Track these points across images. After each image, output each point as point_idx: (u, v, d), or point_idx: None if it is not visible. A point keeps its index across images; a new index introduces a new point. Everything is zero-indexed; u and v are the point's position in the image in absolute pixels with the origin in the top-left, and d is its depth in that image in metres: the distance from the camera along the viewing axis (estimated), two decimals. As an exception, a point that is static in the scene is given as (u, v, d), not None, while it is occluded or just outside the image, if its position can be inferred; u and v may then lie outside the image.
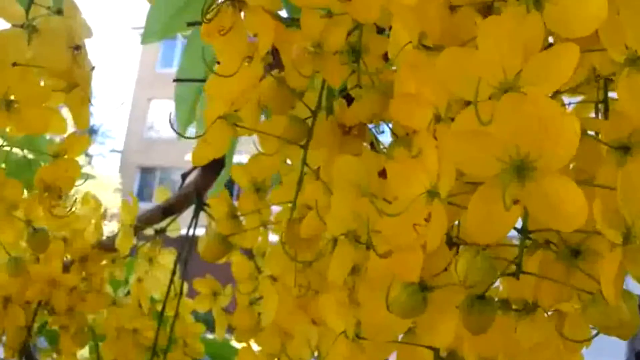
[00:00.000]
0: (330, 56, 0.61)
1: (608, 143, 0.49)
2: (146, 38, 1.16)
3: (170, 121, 0.78)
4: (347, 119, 0.69)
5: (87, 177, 1.63)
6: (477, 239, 0.42)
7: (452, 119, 0.46)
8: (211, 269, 1.04)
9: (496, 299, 0.47)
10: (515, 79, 0.43)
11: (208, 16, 0.63)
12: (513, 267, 0.46)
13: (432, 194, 0.45)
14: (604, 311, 0.41)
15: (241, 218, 0.82)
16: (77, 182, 0.89)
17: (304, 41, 0.60)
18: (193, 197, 1.08)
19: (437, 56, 0.47)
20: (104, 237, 1.16)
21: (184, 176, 1.14)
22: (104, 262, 1.17)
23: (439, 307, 0.45)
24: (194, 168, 1.14)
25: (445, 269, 0.48)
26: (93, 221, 1.10)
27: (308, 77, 0.61)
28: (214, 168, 1.09)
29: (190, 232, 1.07)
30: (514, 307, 0.51)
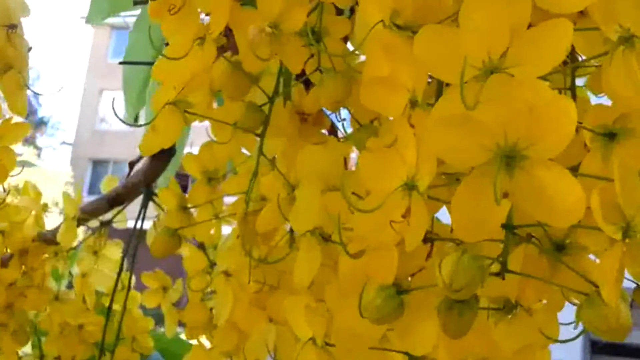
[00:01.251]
0: (289, 38, 0.56)
1: (593, 129, 0.46)
2: (91, 17, 1.10)
3: (113, 108, 0.72)
4: (307, 105, 0.64)
5: (25, 164, 1.56)
6: (463, 236, 0.38)
7: (430, 105, 0.42)
8: (161, 261, 0.99)
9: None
10: (500, 59, 0.39)
11: (151, -6, 0.58)
12: (496, 265, 0.42)
13: (410, 187, 0.40)
14: (602, 314, 0.37)
15: (192, 210, 0.77)
16: (15, 172, 0.83)
17: (261, 21, 0.55)
18: (141, 187, 1.03)
19: (411, 36, 0.43)
20: (47, 230, 1.10)
21: (132, 164, 1.08)
22: (46, 255, 1.11)
23: (418, 310, 0.42)
24: (142, 156, 1.08)
25: (422, 268, 0.44)
26: (33, 213, 1.03)
27: (266, 60, 0.56)
28: (163, 156, 1.04)
29: (139, 224, 1.02)
30: (492, 305, 0.48)
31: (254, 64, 0.57)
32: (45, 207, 1.05)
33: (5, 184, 0.92)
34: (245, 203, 0.63)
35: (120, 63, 0.92)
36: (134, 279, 1.13)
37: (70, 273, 1.23)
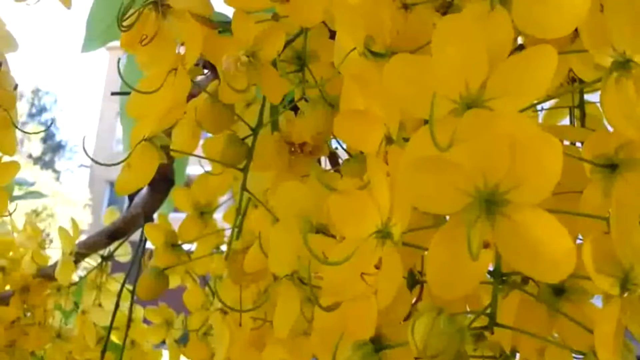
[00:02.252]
0: (267, 67, 0.52)
1: (592, 160, 0.41)
2: (87, 46, 1.07)
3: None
4: (294, 135, 0.61)
5: (34, 195, 1.53)
6: (440, 293, 0.33)
7: (407, 140, 0.38)
8: (167, 293, 0.96)
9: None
10: (479, 91, 0.35)
11: (125, 23, 0.54)
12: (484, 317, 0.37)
13: (384, 234, 0.36)
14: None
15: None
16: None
17: (236, 50, 0.52)
18: (141, 219, 0.99)
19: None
20: (48, 265, 1.07)
21: (131, 196, 1.05)
22: (48, 291, 1.08)
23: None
24: (141, 187, 1.05)
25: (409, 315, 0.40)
26: (31, 250, 1.00)
27: (242, 91, 0.52)
28: (162, 187, 1.01)
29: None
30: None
31: (231, 95, 0.53)
32: (42, 244, 1.02)
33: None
34: (230, 241, 0.59)
35: (113, 94, 0.89)
36: (142, 311, 1.10)
37: (77, 307, 1.20)
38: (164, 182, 1.00)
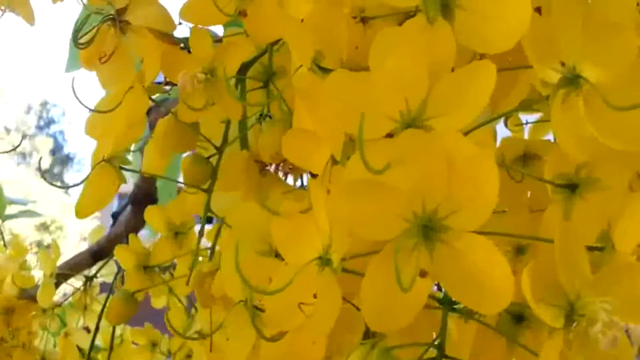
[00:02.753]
0: (226, 83, 0.50)
1: (552, 180, 0.39)
2: (70, 65, 1.06)
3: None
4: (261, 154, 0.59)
5: (28, 214, 1.52)
6: (374, 325, 0.31)
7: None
8: (154, 313, 0.94)
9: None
10: (419, 109, 0.33)
11: (81, 41, 0.53)
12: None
13: (325, 261, 0.34)
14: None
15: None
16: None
17: (193, 67, 0.50)
18: (124, 238, 0.98)
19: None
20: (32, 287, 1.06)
21: (115, 215, 1.04)
22: (33, 313, 1.06)
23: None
24: (125, 205, 1.04)
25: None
26: (10, 272, 0.99)
27: (200, 109, 0.50)
28: (146, 205, 0.99)
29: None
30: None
31: (190, 114, 0.52)
32: (23, 265, 1.01)
33: None
34: (192, 264, 0.57)
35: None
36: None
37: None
38: (147, 200, 0.98)
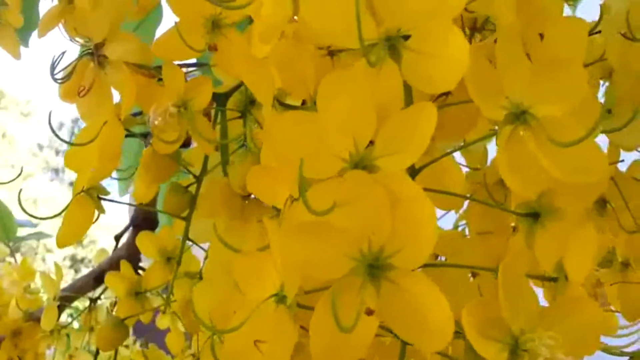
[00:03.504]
0: (198, 117, 0.51)
1: (515, 210, 0.40)
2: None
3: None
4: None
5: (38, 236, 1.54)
6: (322, 363, 0.32)
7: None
8: (158, 334, 0.95)
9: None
10: (368, 149, 0.33)
11: (59, 76, 0.54)
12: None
13: (280, 298, 0.35)
14: None
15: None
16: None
17: (167, 100, 0.51)
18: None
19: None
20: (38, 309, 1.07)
21: (117, 238, 1.04)
22: (40, 334, 1.07)
23: None
24: (126, 228, 1.05)
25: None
26: (15, 295, 1.00)
27: (174, 142, 0.51)
28: (147, 228, 1.00)
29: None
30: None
31: (164, 147, 0.52)
32: (27, 289, 1.02)
33: None
34: (170, 289, 0.58)
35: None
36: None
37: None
38: (148, 224, 0.99)
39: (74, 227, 0.54)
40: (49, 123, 0.53)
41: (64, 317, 1.14)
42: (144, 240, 0.72)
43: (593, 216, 0.60)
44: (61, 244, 0.56)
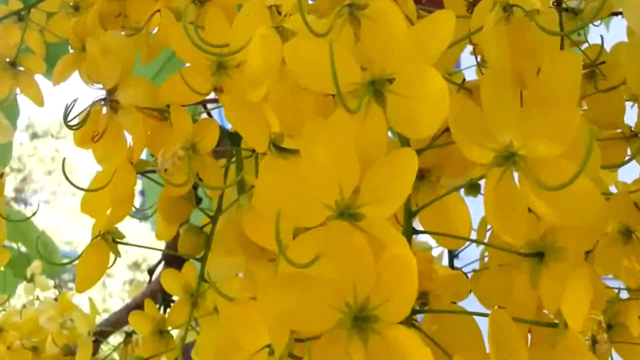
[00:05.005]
0: (207, 158, 0.51)
1: (520, 250, 0.39)
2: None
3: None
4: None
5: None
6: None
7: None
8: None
9: None
10: (352, 196, 0.33)
11: (71, 123, 0.54)
12: None
13: (271, 350, 0.35)
14: None
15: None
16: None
17: (174, 143, 0.51)
18: (159, 295, 0.99)
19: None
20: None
21: (151, 272, 1.05)
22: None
23: None
24: (159, 261, 1.05)
25: None
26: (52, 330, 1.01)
27: (183, 185, 0.51)
28: (179, 262, 1.00)
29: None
30: None
31: (174, 190, 0.52)
32: (64, 324, 1.03)
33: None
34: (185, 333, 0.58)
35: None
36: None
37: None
38: (178, 258, 0.99)
39: (91, 272, 0.54)
40: (63, 169, 0.53)
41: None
42: (168, 277, 0.72)
43: (618, 247, 0.59)
44: (80, 289, 0.56)
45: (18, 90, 0.72)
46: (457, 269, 0.65)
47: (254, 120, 0.40)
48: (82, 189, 0.55)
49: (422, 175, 0.44)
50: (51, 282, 1.55)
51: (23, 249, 1.59)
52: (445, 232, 0.43)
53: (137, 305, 1.03)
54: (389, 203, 0.32)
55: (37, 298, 1.34)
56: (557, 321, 0.35)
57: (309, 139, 0.33)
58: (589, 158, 0.30)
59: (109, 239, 0.55)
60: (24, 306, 1.18)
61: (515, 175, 0.33)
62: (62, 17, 0.70)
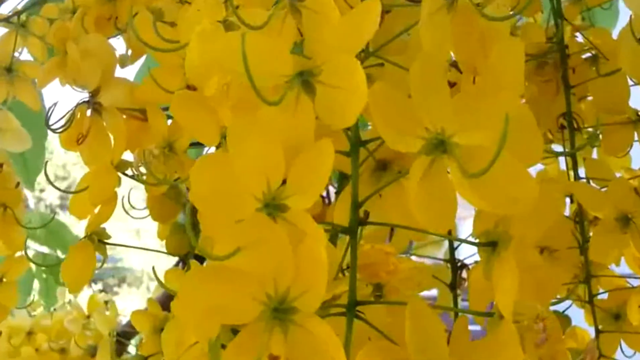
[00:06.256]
0: (184, 156, 0.52)
1: (474, 242, 0.38)
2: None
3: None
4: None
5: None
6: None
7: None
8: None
9: None
10: (280, 188, 0.33)
11: (58, 125, 0.55)
12: None
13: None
14: None
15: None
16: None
17: (150, 142, 0.51)
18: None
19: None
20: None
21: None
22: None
23: None
24: (178, 262, 1.06)
25: None
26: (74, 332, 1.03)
27: (161, 183, 0.51)
28: (201, 261, 1.01)
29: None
30: None
31: (153, 189, 0.53)
32: (87, 326, 1.04)
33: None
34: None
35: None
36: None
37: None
38: (197, 257, 1.00)
39: (77, 273, 0.55)
40: (45, 172, 0.54)
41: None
42: (170, 277, 0.73)
43: (614, 234, 0.57)
44: (73, 290, 0.57)
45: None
46: (458, 261, 0.65)
47: (203, 114, 0.41)
48: (65, 192, 0.56)
49: (383, 166, 0.44)
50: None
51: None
52: (407, 224, 0.42)
53: (161, 305, 1.04)
54: (309, 194, 0.32)
55: (69, 302, 1.37)
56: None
57: (236, 132, 0.33)
58: (504, 144, 0.29)
59: (94, 240, 0.55)
60: (54, 309, 1.20)
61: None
62: (62, 23, 0.71)
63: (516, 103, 0.34)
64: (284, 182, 0.33)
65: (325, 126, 0.33)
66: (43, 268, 1.33)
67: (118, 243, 0.58)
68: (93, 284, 1.56)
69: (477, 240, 0.38)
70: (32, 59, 0.75)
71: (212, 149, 0.47)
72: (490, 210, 0.33)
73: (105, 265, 1.58)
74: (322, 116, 0.33)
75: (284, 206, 0.32)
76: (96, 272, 1.39)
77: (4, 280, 0.77)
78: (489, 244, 0.37)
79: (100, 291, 1.59)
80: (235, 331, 0.33)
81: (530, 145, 0.34)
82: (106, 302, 1.23)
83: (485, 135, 0.32)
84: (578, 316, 0.67)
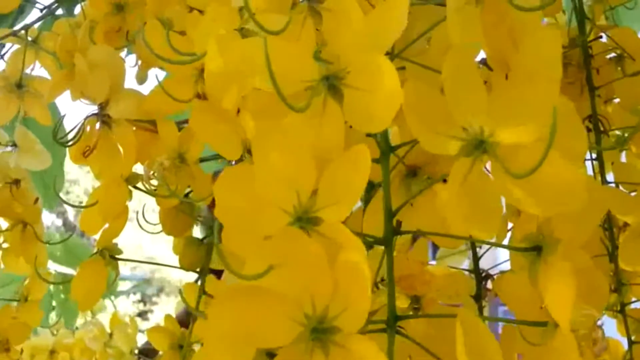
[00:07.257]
0: (195, 167, 0.50)
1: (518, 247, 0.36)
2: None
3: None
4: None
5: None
6: None
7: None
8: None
9: None
10: (310, 200, 0.31)
11: (62, 139, 0.53)
12: None
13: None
14: None
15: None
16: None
17: (160, 153, 0.49)
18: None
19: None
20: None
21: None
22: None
23: None
24: (198, 278, 1.04)
25: None
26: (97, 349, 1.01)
27: (171, 196, 0.49)
28: (216, 275, 0.99)
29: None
30: None
31: (164, 201, 0.51)
32: (108, 343, 1.02)
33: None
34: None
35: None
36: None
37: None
38: (215, 271, 0.98)
39: (88, 290, 0.53)
40: (54, 188, 0.52)
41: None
42: (188, 291, 0.71)
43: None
44: (83, 308, 0.55)
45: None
46: (482, 270, 0.62)
47: (223, 126, 0.39)
48: (75, 206, 0.54)
49: (413, 172, 0.42)
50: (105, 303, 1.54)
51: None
52: (439, 232, 0.40)
53: (180, 322, 1.02)
54: (344, 204, 0.29)
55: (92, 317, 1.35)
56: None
57: (261, 143, 0.31)
58: (553, 140, 0.27)
59: (105, 255, 0.53)
60: (76, 328, 1.18)
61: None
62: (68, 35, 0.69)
63: (557, 95, 0.31)
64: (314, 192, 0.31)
65: (350, 132, 0.31)
66: (61, 287, 1.30)
67: (127, 258, 0.56)
68: (132, 295, 1.53)
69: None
70: (45, 74, 0.73)
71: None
72: (540, 213, 0.31)
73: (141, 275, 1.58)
74: (353, 121, 0.31)
75: (317, 219, 0.30)
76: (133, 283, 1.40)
77: (29, 299, 0.76)
78: (533, 249, 0.35)
79: (139, 301, 1.56)
80: (271, 354, 0.31)
81: (575, 140, 0.32)
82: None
83: (527, 131, 0.30)
84: (610, 326, 0.64)
